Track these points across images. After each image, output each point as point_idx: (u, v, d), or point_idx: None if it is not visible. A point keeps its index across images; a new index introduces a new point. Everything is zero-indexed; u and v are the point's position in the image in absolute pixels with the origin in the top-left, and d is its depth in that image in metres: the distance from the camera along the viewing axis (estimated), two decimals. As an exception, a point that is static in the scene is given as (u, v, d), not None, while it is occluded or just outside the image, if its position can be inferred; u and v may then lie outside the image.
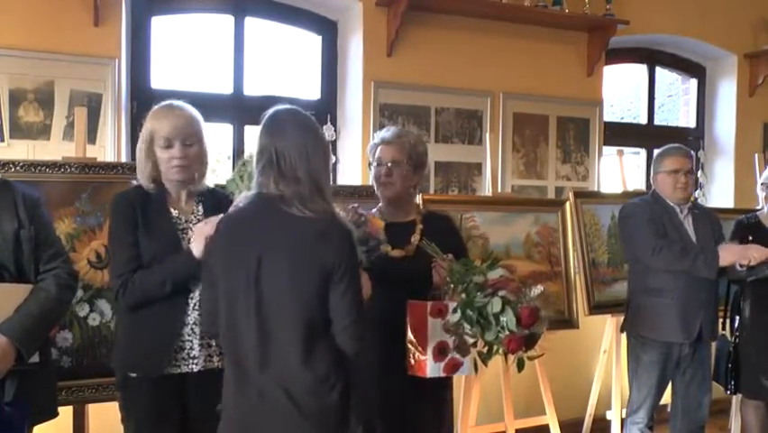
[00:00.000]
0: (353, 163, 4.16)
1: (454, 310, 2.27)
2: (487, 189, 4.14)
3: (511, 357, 2.30)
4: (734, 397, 4.00)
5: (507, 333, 2.22)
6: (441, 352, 2.29)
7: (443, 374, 2.33)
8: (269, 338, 1.85)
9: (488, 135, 4.11)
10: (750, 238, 3.40)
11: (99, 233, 2.77)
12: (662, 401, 3.45)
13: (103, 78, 3.57)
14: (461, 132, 4.40)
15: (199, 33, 4.24)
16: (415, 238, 2.62)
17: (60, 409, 2.41)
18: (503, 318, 2.22)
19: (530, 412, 3.89)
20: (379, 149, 2.65)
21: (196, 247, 2.18)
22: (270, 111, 2.04)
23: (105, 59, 3.57)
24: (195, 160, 2.34)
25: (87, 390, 2.74)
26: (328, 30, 4.35)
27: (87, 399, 2.76)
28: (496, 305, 2.22)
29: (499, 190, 3.88)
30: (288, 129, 1.96)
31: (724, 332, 3.57)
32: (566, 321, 3.79)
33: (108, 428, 2.75)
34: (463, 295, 2.27)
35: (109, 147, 3.57)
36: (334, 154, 4.29)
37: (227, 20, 4.12)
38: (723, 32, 5.26)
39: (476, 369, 2.38)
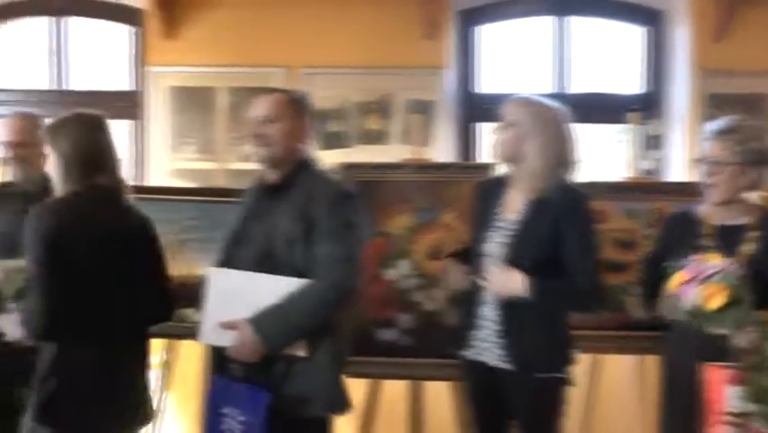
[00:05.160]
0: (680, 159, 3.98)
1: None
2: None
3: None
4: None
5: None
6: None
7: None
8: None
9: None
10: None
11: (434, 226, 3.05)
12: None
13: (434, 86, 3.92)
14: (807, 119, 3.97)
15: (522, 37, 4.38)
16: (748, 247, 2.31)
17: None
18: None
19: None
20: (705, 144, 2.42)
21: None
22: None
23: (436, 69, 3.91)
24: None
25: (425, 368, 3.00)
26: (653, 20, 4.22)
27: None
28: None
29: None
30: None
31: None
32: None
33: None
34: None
35: (442, 149, 3.90)
36: (661, 150, 4.13)
37: (549, 21, 4.21)
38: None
39: None
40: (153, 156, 4.13)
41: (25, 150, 2.72)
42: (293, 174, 2.25)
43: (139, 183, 4.00)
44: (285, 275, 2.14)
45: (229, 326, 2.14)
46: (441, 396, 3.02)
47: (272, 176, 2.27)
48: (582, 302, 2.40)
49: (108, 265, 2.15)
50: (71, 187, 2.17)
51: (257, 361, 2.12)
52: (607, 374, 3.14)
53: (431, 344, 2.95)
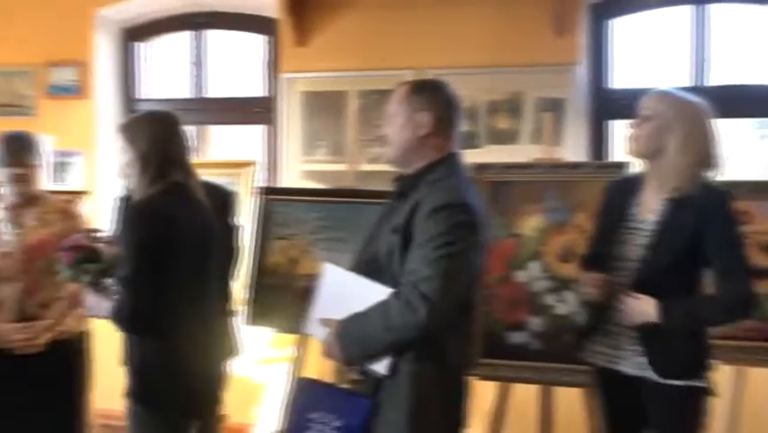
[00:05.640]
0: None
1: None
2: None
3: None
4: None
5: None
6: None
7: None
8: None
9: None
10: None
11: (566, 227, 2.97)
12: None
13: (565, 84, 3.82)
14: None
15: (658, 28, 4.20)
16: None
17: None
18: None
19: None
20: None
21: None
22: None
23: (568, 66, 3.81)
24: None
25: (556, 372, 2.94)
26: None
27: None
28: None
29: None
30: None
31: None
32: None
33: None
34: None
35: (573, 148, 3.79)
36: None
37: (687, 10, 4.00)
38: None
39: None
40: (286, 159, 4.27)
41: None
42: (417, 176, 2.10)
43: (272, 185, 4.16)
44: (385, 283, 2.04)
45: (325, 323, 2.14)
46: (572, 400, 2.94)
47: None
48: (731, 314, 2.28)
49: (194, 261, 2.30)
50: (149, 184, 2.28)
51: (341, 363, 2.16)
52: (752, 388, 2.95)
53: (562, 348, 2.88)
